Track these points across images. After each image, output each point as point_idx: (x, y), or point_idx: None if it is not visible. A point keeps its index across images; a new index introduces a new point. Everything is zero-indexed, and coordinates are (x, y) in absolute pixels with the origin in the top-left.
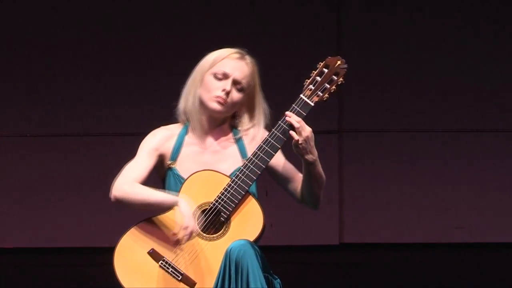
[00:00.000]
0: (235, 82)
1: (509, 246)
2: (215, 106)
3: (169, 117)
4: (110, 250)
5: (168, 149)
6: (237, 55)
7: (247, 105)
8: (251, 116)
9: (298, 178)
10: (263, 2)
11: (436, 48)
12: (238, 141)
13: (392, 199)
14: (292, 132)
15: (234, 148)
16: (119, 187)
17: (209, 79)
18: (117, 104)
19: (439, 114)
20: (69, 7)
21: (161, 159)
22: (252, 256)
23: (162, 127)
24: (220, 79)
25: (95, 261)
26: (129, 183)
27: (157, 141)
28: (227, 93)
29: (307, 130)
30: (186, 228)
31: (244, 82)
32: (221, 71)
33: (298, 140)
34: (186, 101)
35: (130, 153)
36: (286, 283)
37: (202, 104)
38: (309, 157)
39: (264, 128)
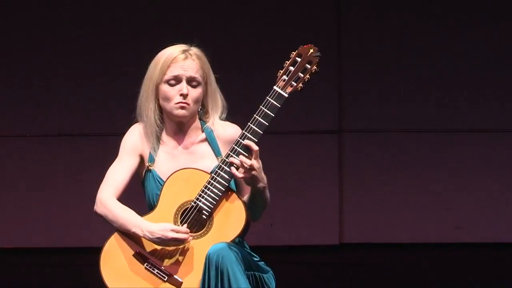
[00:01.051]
0: (188, 81)
1: (509, 246)
2: (180, 112)
3: None
4: None
5: (146, 150)
6: (182, 56)
7: (206, 97)
8: (212, 107)
9: (247, 190)
10: (263, 1)
11: (436, 48)
12: (210, 139)
13: (392, 199)
14: (235, 171)
15: (207, 148)
16: (100, 204)
17: (164, 88)
18: (117, 104)
19: (439, 114)
20: (70, 7)
21: (141, 158)
22: (231, 259)
23: (139, 125)
24: (174, 85)
25: (95, 261)
26: (110, 202)
27: (136, 141)
28: (185, 96)
29: (258, 161)
30: (174, 238)
31: (197, 76)
32: (171, 76)
33: (249, 172)
34: (143, 112)
35: None
36: (286, 283)
37: (166, 115)
38: (260, 185)
39: (237, 127)
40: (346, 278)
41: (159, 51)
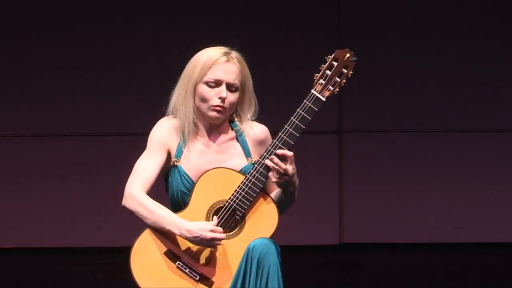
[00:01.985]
0: (228, 85)
1: (509, 246)
2: (215, 114)
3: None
4: (110, 250)
5: (173, 145)
6: (224, 58)
7: (241, 100)
8: (244, 110)
9: (274, 188)
10: (263, 2)
11: (436, 48)
12: (239, 137)
13: (392, 199)
14: (271, 174)
15: (236, 146)
16: (130, 199)
17: (203, 88)
18: (117, 104)
19: (439, 114)
20: (70, 6)
21: (168, 153)
22: (274, 256)
23: (168, 119)
24: (213, 87)
25: (95, 261)
26: (141, 197)
27: (165, 135)
28: (224, 100)
29: (293, 167)
30: (213, 238)
31: (236, 82)
32: (212, 79)
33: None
34: (177, 110)
35: (130, 153)
36: (285, 283)
37: (200, 113)
38: (291, 188)
39: (265, 127)
40: (346, 278)
41: (160, 51)
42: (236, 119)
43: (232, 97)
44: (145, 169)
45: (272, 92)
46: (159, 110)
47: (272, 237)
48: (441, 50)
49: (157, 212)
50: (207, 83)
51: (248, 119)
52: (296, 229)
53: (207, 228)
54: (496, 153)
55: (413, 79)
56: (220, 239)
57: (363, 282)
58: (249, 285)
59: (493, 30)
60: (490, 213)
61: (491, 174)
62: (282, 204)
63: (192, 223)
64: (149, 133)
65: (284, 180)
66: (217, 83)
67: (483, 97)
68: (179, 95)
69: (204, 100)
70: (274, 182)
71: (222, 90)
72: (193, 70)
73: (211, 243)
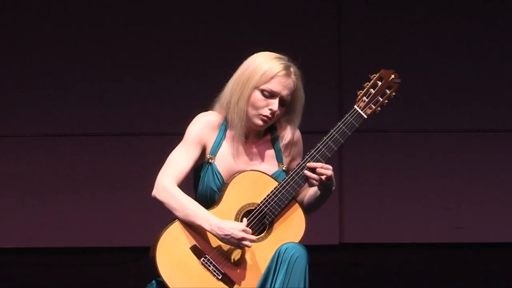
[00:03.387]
0: (281, 99)
1: (509, 246)
2: (260, 123)
3: (171, 118)
4: (111, 250)
5: (210, 141)
6: (284, 72)
7: (287, 110)
8: (288, 120)
9: (306, 190)
10: (264, 1)
11: (436, 48)
12: (275, 144)
13: (392, 199)
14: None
15: (270, 152)
16: (162, 190)
17: (257, 95)
18: (117, 104)
19: (439, 114)
20: (70, 6)
21: (203, 149)
22: (305, 261)
23: (208, 114)
24: (267, 97)
25: (95, 261)
26: (174, 189)
27: (203, 131)
28: (274, 113)
29: (331, 170)
30: (243, 238)
31: (289, 98)
32: (269, 89)
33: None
34: (231, 108)
35: (130, 153)
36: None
37: (247, 117)
38: (329, 191)
39: (299, 132)
40: (346, 278)
41: (161, 52)
42: (278, 127)
43: (280, 110)
44: (179, 162)
45: None
46: (159, 110)
47: None
48: (441, 50)
49: (190, 206)
50: (262, 92)
51: (288, 128)
52: None
53: (239, 227)
54: (496, 153)
55: (413, 79)
56: (250, 240)
57: (363, 282)
58: (275, 285)
59: (494, 30)
60: (490, 213)
61: (491, 174)
62: (313, 205)
63: (224, 221)
64: (149, 133)
65: (325, 184)
66: (272, 95)
67: (483, 97)
68: (233, 94)
69: (254, 106)
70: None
71: (275, 103)
72: (253, 74)
73: (240, 243)
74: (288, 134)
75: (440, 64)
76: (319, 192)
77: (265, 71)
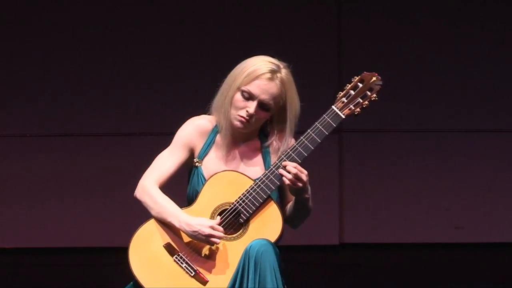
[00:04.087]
0: (261, 103)
1: (509, 246)
2: (237, 124)
3: (170, 118)
4: (110, 250)
5: (198, 145)
6: (268, 75)
7: (277, 118)
8: (280, 129)
9: (290, 198)
10: (263, 1)
11: (436, 48)
12: (264, 151)
13: (392, 199)
14: (285, 178)
15: (259, 160)
16: (141, 190)
17: (237, 96)
18: (117, 104)
19: (439, 114)
20: (69, 6)
21: (192, 153)
22: (272, 256)
23: (200, 118)
24: (246, 98)
25: (95, 261)
26: (152, 189)
27: (192, 134)
28: (250, 115)
29: (305, 174)
30: (210, 235)
31: (271, 103)
32: (248, 90)
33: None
34: (219, 109)
35: (130, 153)
36: (286, 283)
37: (229, 118)
38: (305, 196)
39: (292, 138)
40: (346, 278)
41: (160, 52)
42: (269, 134)
43: (261, 114)
44: (163, 164)
45: None
46: (160, 110)
47: (276, 244)
48: (441, 50)
49: (162, 204)
50: (242, 93)
51: (279, 137)
52: (296, 229)
53: (206, 224)
54: (496, 153)
55: (413, 79)
56: (217, 237)
57: (363, 282)
58: (247, 285)
59: (494, 30)
60: (490, 213)
61: (491, 174)
62: (298, 215)
63: (193, 218)
64: (148, 133)
65: (298, 187)
66: (251, 97)
67: (483, 97)
68: (221, 95)
69: (234, 107)
70: (288, 187)
71: (252, 106)
72: (239, 75)
73: (208, 240)
74: (278, 142)
75: (440, 64)
76: (295, 199)
77: (249, 73)
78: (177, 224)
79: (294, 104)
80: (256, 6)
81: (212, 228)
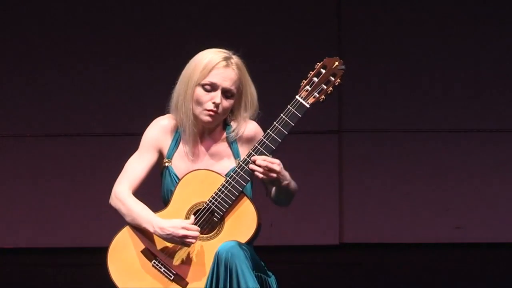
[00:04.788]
0: (224, 91)
1: (509, 246)
2: (207, 118)
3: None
4: None
5: (166, 145)
6: (223, 63)
7: (237, 104)
8: (241, 115)
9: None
10: (264, 2)
11: (436, 48)
12: (231, 141)
13: (392, 199)
14: (257, 173)
15: (227, 150)
16: (114, 197)
17: (199, 91)
18: (117, 104)
19: (439, 114)
20: (71, 6)
21: (160, 153)
22: (241, 257)
23: (162, 119)
24: (209, 91)
25: (95, 261)
26: (124, 196)
27: (158, 135)
28: (217, 105)
29: (277, 164)
30: (185, 236)
31: (233, 88)
32: (209, 82)
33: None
34: (179, 110)
35: (129, 153)
36: (285, 283)
37: (194, 116)
38: (284, 182)
39: (255, 124)
40: (346, 278)
41: (159, 51)
42: (231, 123)
43: (226, 103)
44: (134, 169)
45: (274, 98)
46: (158, 110)
47: (253, 240)
48: (441, 50)
49: (135, 210)
50: (203, 86)
51: (240, 123)
52: (296, 229)
53: (179, 225)
54: (496, 153)
55: (413, 79)
56: (192, 237)
57: (363, 282)
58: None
59: (493, 30)
60: (490, 213)
61: (491, 174)
62: (284, 198)
63: (165, 221)
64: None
65: (273, 177)
66: (213, 88)
67: (483, 97)
68: (179, 95)
69: (198, 103)
70: (264, 180)
71: (217, 95)
72: (193, 71)
73: (183, 240)
74: (240, 128)
75: (440, 64)
76: (276, 187)
77: (203, 66)
78: (151, 230)
79: (250, 88)
80: (255, 5)
81: (186, 228)
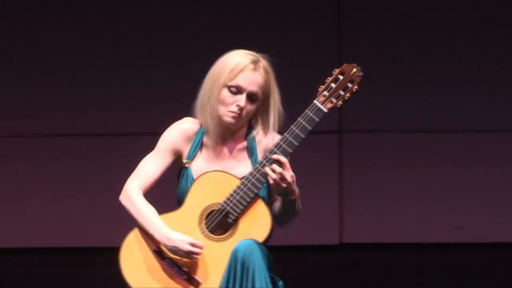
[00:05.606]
0: (249, 95)
1: (509, 246)
2: (230, 120)
3: (169, 118)
4: (110, 250)
5: (185, 149)
6: (251, 66)
7: (261, 110)
8: (265, 120)
9: (276, 198)
10: (263, 6)
11: (435, 48)
12: (251, 146)
13: (392, 199)
14: (269, 178)
15: (246, 154)
16: (125, 196)
17: (224, 92)
18: (117, 104)
19: (439, 114)
20: (71, 5)
21: (178, 155)
22: (258, 256)
23: (183, 122)
24: (234, 93)
25: (95, 261)
26: (135, 196)
27: (177, 138)
28: (241, 108)
29: (290, 176)
30: (190, 252)
31: (259, 92)
32: (235, 84)
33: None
34: (204, 109)
35: (130, 153)
36: (285, 283)
37: (218, 116)
38: (291, 197)
39: (277, 133)
40: (346, 278)
41: (160, 51)
42: (254, 128)
43: (250, 106)
44: (148, 169)
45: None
46: (159, 110)
47: (265, 242)
48: (441, 50)
49: (144, 215)
50: (229, 88)
51: (264, 128)
52: (296, 229)
53: (186, 240)
54: (496, 153)
55: (413, 79)
56: (197, 254)
57: (363, 282)
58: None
59: (493, 30)
60: (490, 213)
61: (491, 174)
62: (285, 215)
63: (174, 232)
64: (148, 133)
65: (282, 187)
66: (239, 90)
67: (483, 97)
68: (204, 95)
69: (223, 104)
70: (273, 187)
71: (242, 99)
72: (220, 72)
73: (188, 256)
74: (263, 137)
75: (440, 64)
76: (281, 199)
77: (231, 68)
78: (157, 237)
79: (275, 93)
80: (255, 5)
81: (192, 245)
